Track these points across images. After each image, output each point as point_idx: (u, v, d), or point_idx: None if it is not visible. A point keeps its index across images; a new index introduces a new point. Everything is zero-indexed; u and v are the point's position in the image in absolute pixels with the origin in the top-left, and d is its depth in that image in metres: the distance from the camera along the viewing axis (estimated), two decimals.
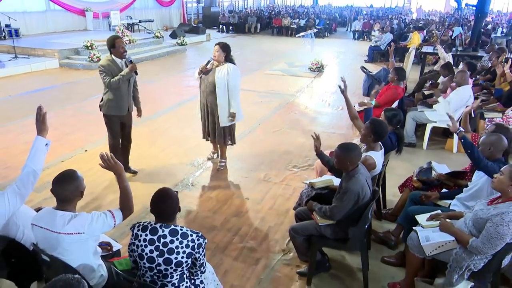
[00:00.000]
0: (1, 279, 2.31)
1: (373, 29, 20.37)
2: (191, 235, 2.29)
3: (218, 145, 5.35)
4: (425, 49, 11.33)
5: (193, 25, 21.02)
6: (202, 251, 2.33)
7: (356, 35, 21.85)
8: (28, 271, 2.58)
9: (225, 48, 4.79)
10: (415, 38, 13.75)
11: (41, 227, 2.27)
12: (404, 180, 4.19)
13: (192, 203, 4.47)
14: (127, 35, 13.66)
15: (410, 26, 17.62)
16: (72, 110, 7.68)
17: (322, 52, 15.54)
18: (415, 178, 3.96)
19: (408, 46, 13.02)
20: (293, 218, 3.89)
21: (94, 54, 11.74)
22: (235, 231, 3.98)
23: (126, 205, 2.47)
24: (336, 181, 3.60)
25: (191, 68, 12.56)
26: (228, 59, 4.84)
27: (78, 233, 2.22)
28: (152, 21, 19.82)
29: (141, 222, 2.35)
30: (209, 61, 4.90)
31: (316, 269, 3.33)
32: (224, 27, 23.85)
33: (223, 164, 5.37)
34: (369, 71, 8.27)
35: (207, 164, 5.47)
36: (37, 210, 2.73)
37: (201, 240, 2.31)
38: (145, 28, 18.53)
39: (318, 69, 12.15)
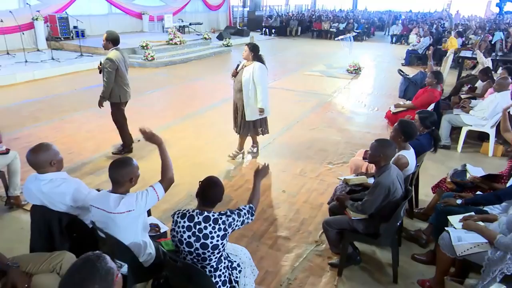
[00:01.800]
0: (64, 251, 2.44)
1: (411, 33, 19.62)
2: (221, 218, 2.33)
3: (250, 136, 5.35)
4: (464, 53, 10.77)
5: (238, 27, 21.11)
6: (232, 219, 2.36)
7: (394, 39, 21.13)
8: (87, 246, 2.70)
9: (253, 48, 4.83)
10: (453, 42, 13.10)
11: (97, 207, 2.38)
12: (437, 181, 4.02)
13: (232, 193, 4.51)
14: (178, 36, 13.94)
15: (451, 31, 16.79)
16: (128, 104, 7.88)
17: (359, 55, 15.17)
18: (449, 180, 3.79)
19: (446, 49, 12.43)
20: (326, 212, 3.86)
21: (149, 54, 12.09)
22: (271, 221, 3.98)
23: (165, 175, 2.52)
24: (370, 180, 3.51)
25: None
26: (256, 58, 4.85)
27: (129, 211, 2.30)
28: (201, 24, 20.13)
29: (180, 209, 2.41)
30: (238, 65, 5.01)
31: (347, 262, 3.27)
32: (267, 30, 23.81)
33: (254, 150, 5.44)
34: (406, 74, 7.98)
35: (247, 157, 5.50)
36: (97, 190, 2.86)
37: (228, 213, 2.36)
38: (194, 30, 18.84)
39: (355, 71, 11.88)
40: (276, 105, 8.16)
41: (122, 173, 2.36)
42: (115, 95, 5.13)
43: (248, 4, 25.44)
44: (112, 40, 5.03)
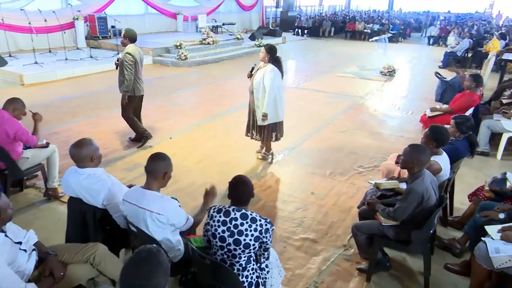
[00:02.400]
0: (97, 243, 2.53)
1: (450, 34, 18.94)
2: (260, 220, 2.34)
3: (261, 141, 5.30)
4: (507, 56, 10.28)
5: (271, 28, 21.11)
6: (270, 237, 2.36)
7: (431, 41, 20.46)
8: (119, 239, 2.79)
9: (269, 50, 4.76)
10: (495, 44, 12.54)
11: (130, 202, 2.45)
12: (474, 189, 3.86)
13: (261, 193, 4.52)
14: (211, 36, 14.11)
15: (493, 33, 16.09)
16: (161, 102, 8.12)
17: (394, 56, 14.80)
18: (487, 188, 3.62)
19: (487, 52, 11.93)
20: (355, 215, 3.79)
21: (182, 53, 12.30)
22: (299, 223, 3.96)
23: (196, 225, 2.69)
24: (403, 185, 3.42)
25: None
26: (272, 60, 4.77)
27: (158, 213, 2.37)
28: (234, 24, 20.28)
29: (217, 205, 2.45)
30: (253, 67, 4.99)
31: (376, 267, 3.20)
32: (299, 30, 23.68)
33: (266, 156, 5.37)
34: (444, 77, 7.71)
35: (276, 158, 5.49)
36: (129, 186, 2.94)
37: (268, 226, 2.34)
38: (227, 30, 19.00)
39: (389, 73, 11.59)
40: (307, 106, 8.12)
41: (157, 166, 2.44)
42: (124, 88, 5.40)
43: (281, 5, 25.39)
44: (130, 37, 5.29)
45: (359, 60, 14.34)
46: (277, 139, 5.20)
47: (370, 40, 17.64)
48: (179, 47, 12.61)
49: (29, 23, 10.59)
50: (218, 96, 8.83)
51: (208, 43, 13.96)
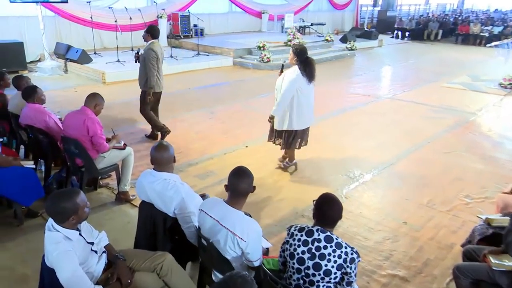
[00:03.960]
0: (166, 252, 2.67)
1: None
2: (346, 248, 2.29)
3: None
4: None
5: (366, 29, 20.71)
6: (354, 268, 2.30)
7: None
8: (187, 251, 2.92)
9: (297, 52, 4.78)
10: None
11: (210, 216, 2.54)
12: None
13: (344, 217, 4.39)
14: (297, 37, 14.23)
15: None
16: (239, 106, 8.38)
17: None
18: None
19: None
20: (458, 255, 3.52)
21: (265, 55, 12.60)
22: (387, 256, 3.77)
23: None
24: None
25: (358, 75, 12.43)
26: (299, 63, 4.77)
27: (241, 238, 2.42)
28: (323, 25, 20.26)
29: (298, 224, 2.45)
30: (283, 65, 5.12)
31: None
32: (399, 32, 22.88)
33: (288, 165, 5.41)
34: None
35: (364, 177, 5.33)
36: (202, 196, 3.06)
37: (355, 256, 2.28)
38: (315, 31, 19.05)
39: (511, 85, 10.63)
40: (403, 120, 7.78)
41: (244, 184, 2.51)
42: (143, 83, 5.91)
43: (380, 3, 24.78)
44: (152, 33, 5.81)
45: (471, 69, 13.40)
46: (299, 147, 5.26)
47: (487, 45, 16.44)
48: (262, 48, 12.94)
49: (115, 21, 11.69)
50: None
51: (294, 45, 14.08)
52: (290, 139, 5.13)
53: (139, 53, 6.07)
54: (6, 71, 5.97)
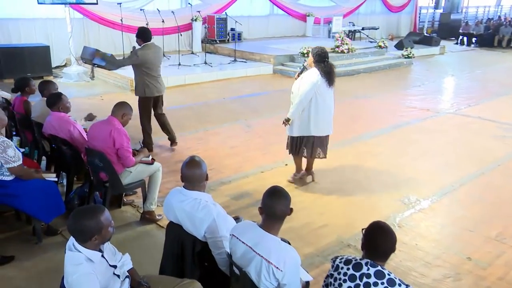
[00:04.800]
0: (194, 280, 2.69)
1: None
2: (400, 285, 2.25)
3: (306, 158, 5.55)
4: None
5: (425, 34, 20.39)
6: None
7: None
8: (217, 279, 2.93)
9: (316, 54, 5.06)
10: None
11: (242, 242, 2.55)
12: None
13: (397, 249, 4.27)
14: (346, 43, 14.23)
15: None
16: (279, 119, 8.32)
17: None
18: None
19: None
20: None
21: None
22: None
23: None
24: None
25: (415, 86, 12.23)
26: (318, 66, 5.05)
27: (277, 267, 2.40)
28: (376, 29, 20.16)
29: (344, 255, 2.42)
30: (302, 68, 5.36)
31: None
32: (465, 38, 22.38)
33: (296, 177, 5.65)
34: None
35: (421, 204, 5.20)
36: (235, 218, 3.08)
37: None
38: (367, 36, 18.96)
39: None
40: (468, 139, 7.58)
41: (281, 206, 2.50)
42: (140, 89, 6.26)
43: (442, 5, 24.37)
44: (142, 37, 6.18)
45: None
46: (320, 156, 5.47)
47: None
48: (306, 55, 12.96)
49: (147, 24, 12.08)
50: (350, 117, 8.77)
51: (342, 52, 14.11)
52: (299, 145, 5.40)
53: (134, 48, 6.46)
54: (30, 76, 6.30)
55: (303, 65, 5.45)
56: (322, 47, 5.17)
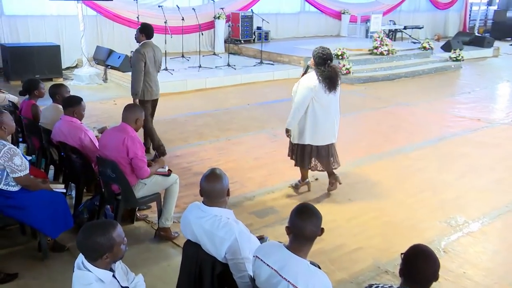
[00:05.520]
0: None
1: None
2: None
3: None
4: None
5: (477, 34, 20.12)
6: None
7: None
8: None
9: (316, 55, 5.16)
10: None
11: (267, 264, 2.55)
12: None
13: (441, 277, 4.20)
14: (386, 44, 14.16)
15: None
16: None
17: None
18: None
19: None
20: None
21: (344, 65, 12.61)
22: None
23: None
24: None
25: (464, 93, 12.06)
26: (317, 68, 5.17)
27: None
28: (420, 28, 19.98)
29: (380, 283, 2.41)
30: (307, 68, 5.56)
31: None
32: None
33: (300, 185, 5.81)
34: None
35: (470, 227, 5.11)
36: (259, 238, 3.09)
37: None
38: (410, 36, 18.83)
39: None
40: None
41: (311, 226, 2.50)
42: (134, 90, 6.37)
43: (497, 1, 24.01)
44: (147, 32, 6.38)
45: None
46: (333, 167, 5.63)
47: None
48: (340, 57, 12.98)
49: (165, 22, 12.30)
50: (390, 127, 8.72)
51: (381, 53, 14.07)
52: (302, 155, 5.52)
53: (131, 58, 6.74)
54: (39, 78, 6.45)
55: (307, 64, 5.59)
56: (325, 47, 5.24)
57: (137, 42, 6.51)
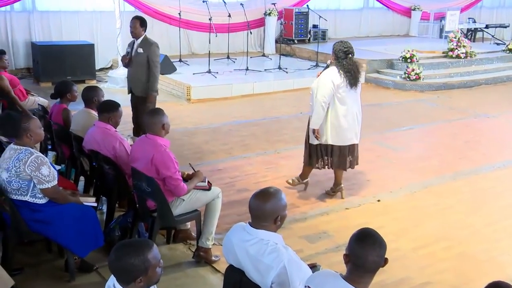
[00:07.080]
0: None
1: None
2: None
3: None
4: None
5: None
6: None
7: None
8: None
9: (337, 51, 5.50)
10: None
11: None
12: None
13: None
14: (464, 45, 13.88)
15: None
16: (369, 142, 8.30)
17: None
18: None
19: None
20: None
21: (413, 69, 12.45)
22: None
23: None
24: None
25: None
26: (337, 63, 5.51)
27: None
28: (505, 27, 19.45)
29: None
30: (326, 65, 5.77)
31: None
32: None
33: (298, 182, 6.17)
34: None
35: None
36: (311, 267, 3.08)
37: None
38: (492, 36, 18.38)
39: None
40: None
41: (373, 256, 2.48)
42: (144, 88, 6.90)
43: None
44: (146, 26, 6.93)
45: None
46: (352, 166, 5.98)
47: None
48: (409, 60, 12.82)
49: (210, 19, 12.45)
50: (466, 142, 8.55)
51: (458, 56, 13.82)
52: (319, 155, 5.85)
53: (132, 54, 6.94)
54: (71, 80, 6.65)
55: (327, 64, 5.83)
56: (346, 41, 5.58)
57: (134, 37, 6.93)
